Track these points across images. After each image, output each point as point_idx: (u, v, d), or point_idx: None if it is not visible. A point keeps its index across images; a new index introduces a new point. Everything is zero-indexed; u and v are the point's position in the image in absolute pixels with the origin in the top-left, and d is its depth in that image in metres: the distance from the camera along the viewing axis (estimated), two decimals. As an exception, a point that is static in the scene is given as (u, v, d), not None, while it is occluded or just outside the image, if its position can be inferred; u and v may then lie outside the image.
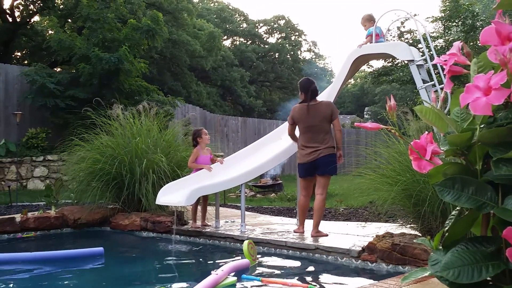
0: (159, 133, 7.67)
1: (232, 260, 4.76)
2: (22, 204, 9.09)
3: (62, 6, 16.61)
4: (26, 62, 18.72)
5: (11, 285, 4.31)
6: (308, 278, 4.45)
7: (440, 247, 1.50)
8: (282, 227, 6.45)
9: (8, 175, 11.53)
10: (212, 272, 3.97)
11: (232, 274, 4.24)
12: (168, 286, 3.43)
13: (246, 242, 4.81)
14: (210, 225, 6.61)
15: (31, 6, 17.14)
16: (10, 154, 11.83)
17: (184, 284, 4.23)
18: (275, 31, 35.73)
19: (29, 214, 6.88)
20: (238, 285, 4.04)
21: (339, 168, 5.96)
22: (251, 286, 4.01)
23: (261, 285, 4.00)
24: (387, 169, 5.25)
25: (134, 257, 5.69)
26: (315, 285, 3.97)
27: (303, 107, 5.86)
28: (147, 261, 5.53)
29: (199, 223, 6.63)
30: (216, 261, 5.33)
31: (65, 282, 4.48)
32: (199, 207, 6.72)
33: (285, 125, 7.01)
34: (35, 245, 6.18)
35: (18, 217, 6.73)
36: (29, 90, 12.73)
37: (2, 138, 12.34)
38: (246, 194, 9.99)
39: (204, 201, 6.69)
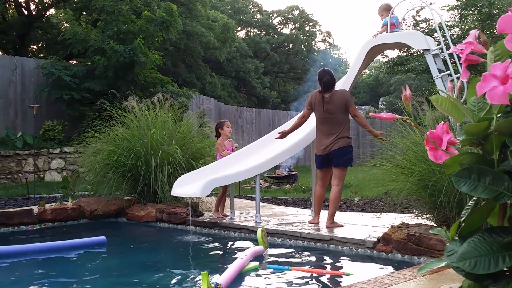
0: (174, 124, 7.70)
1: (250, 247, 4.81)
2: (40, 195, 9.19)
3: (77, -1, 16.69)
4: (42, 55, 18.84)
5: (17, 277, 4.37)
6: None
7: (456, 238, 1.49)
8: (297, 218, 6.46)
9: (26, 167, 11.66)
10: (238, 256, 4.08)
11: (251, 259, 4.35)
12: (208, 271, 3.48)
13: (259, 229, 4.93)
14: (228, 215, 6.66)
15: (46, -1, 17.25)
16: (27, 147, 11.96)
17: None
18: (289, 22, 35.52)
19: (47, 206, 6.96)
20: (266, 274, 4.10)
21: (354, 159, 5.94)
22: (281, 275, 4.05)
23: (291, 274, 4.06)
24: (402, 159, 5.22)
25: (151, 247, 5.75)
26: (351, 274, 4.01)
27: (320, 97, 5.84)
28: (164, 251, 5.58)
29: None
30: (232, 252, 5.37)
31: (78, 271, 4.54)
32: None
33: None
34: (46, 236, 6.25)
35: (35, 208, 6.81)
36: (45, 83, 12.84)
37: (19, 130, 12.48)
38: (260, 185, 10.00)
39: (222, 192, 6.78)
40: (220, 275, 3.74)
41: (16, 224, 6.52)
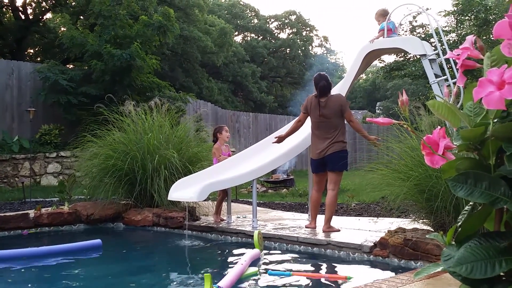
0: (171, 129, 7.70)
1: (247, 252, 4.80)
2: (36, 200, 9.17)
3: (74, 3, 16.67)
4: (39, 59, 18.82)
5: (12, 282, 4.35)
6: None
7: (453, 242, 1.50)
8: (294, 223, 6.45)
9: (22, 171, 11.63)
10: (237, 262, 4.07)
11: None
12: (212, 272, 3.48)
13: (256, 232, 4.96)
14: (225, 220, 6.66)
15: (44, 3, 17.22)
16: (23, 151, 11.92)
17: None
18: (286, 27, 35.57)
19: (43, 210, 6.94)
20: (267, 280, 4.08)
21: (351, 163, 5.95)
22: (282, 281, 4.03)
23: (292, 279, 4.05)
24: (399, 164, 5.23)
25: (147, 252, 5.73)
26: (352, 277, 4.01)
27: (315, 101, 5.85)
28: (161, 255, 5.57)
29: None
30: (229, 256, 5.36)
31: (73, 275, 4.53)
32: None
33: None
34: (41, 240, 6.23)
35: (31, 213, 6.80)
36: (42, 87, 12.80)
37: (16, 135, 12.45)
38: (257, 190, 10.00)
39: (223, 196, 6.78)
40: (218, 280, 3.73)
41: (12, 228, 6.51)
